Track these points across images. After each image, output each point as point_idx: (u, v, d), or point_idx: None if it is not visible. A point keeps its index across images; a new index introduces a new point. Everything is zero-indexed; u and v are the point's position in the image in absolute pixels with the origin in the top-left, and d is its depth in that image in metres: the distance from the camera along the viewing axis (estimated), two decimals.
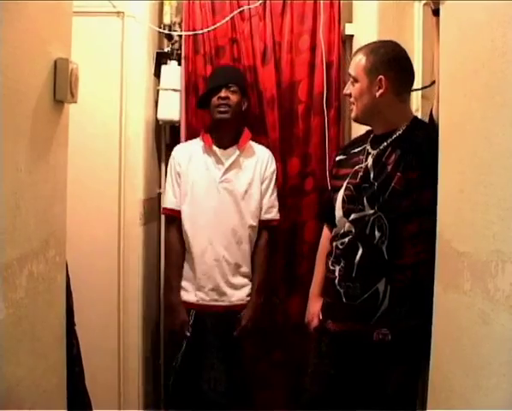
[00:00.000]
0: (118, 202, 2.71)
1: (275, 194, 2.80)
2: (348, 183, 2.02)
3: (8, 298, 1.21)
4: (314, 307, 2.24)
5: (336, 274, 2.00)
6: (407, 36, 2.44)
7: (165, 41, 3.06)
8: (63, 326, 1.61)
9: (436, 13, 1.66)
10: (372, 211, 1.91)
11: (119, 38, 2.69)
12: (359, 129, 2.64)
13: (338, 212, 2.05)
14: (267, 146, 2.86)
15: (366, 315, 1.92)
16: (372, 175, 1.95)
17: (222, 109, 2.66)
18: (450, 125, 1.39)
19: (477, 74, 1.20)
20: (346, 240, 1.99)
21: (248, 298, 2.72)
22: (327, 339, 2.08)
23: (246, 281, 2.72)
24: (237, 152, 2.70)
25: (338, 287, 1.98)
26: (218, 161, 2.70)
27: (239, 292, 2.70)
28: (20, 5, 1.26)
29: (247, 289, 2.72)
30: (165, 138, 3.14)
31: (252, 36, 2.95)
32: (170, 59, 2.98)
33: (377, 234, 1.90)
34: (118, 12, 2.69)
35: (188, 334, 2.66)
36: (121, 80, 2.70)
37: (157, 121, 3.00)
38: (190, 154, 2.74)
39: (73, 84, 1.53)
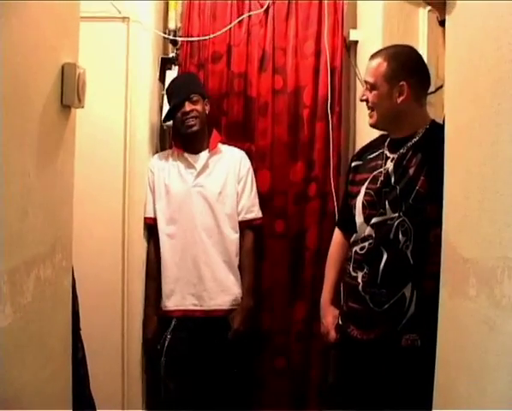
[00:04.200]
0: (123, 207, 2.71)
1: (254, 193, 2.79)
2: (367, 188, 2.00)
3: (16, 302, 1.21)
4: (329, 317, 2.20)
5: (359, 280, 1.96)
6: (412, 43, 2.42)
7: (170, 46, 3.07)
8: (69, 330, 1.62)
9: (442, 24, 1.66)
10: (395, 215, 1.89)
11: (124, 43, 2.69)
12: (362, 135, 2.65)
13: (359, 218, 2.02)
14: (257, 153, 2.89)
15: (392, 321, 1.88)
16: (393, 179, 1.93)
17: (190, 122, 2.69)
18: (456, 131, 1.39)
19: (483, 80, 1.20)
20: (366, 244, 1.96)
21: (231, 305, 2.67)
22: (350, 346, 2.03)
23: (226, 286, 2.68)
24: (208, 155, 2.72)
25: (363, 293, 1.94)
26: (190, 166, 2.72)
27: (219, 298, 2.66)
28: (28, 11, 1.27)
29: (227, 296, 2.67)
30: (170, 143, 3.14)
31: (250, 42, 2.96)
32: (175, 64, 2.99)
33: (401, 238, 1.87)
34: (124, 17, 2.70)
35: (159, 347, 2.66)
36: (126, 85, 2.71)
37: (161, 125, 3.01)
38: (164, 162, 2.78)
39: (80, 89, 1.53)
